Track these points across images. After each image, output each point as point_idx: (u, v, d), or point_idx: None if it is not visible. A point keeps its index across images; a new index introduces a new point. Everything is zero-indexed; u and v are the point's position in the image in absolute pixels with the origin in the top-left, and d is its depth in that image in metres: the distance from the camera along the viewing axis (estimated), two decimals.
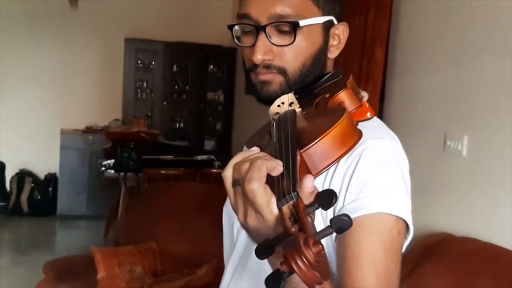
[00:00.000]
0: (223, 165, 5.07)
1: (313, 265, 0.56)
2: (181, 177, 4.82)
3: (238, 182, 0.69)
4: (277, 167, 0.67)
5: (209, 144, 6.60)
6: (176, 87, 6.78)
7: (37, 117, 6.35)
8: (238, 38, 0.99)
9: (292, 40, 0.93)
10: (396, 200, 0.87)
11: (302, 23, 0.92)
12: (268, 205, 0.65)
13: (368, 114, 0.89)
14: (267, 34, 0.93)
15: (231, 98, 6.74)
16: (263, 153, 0.71)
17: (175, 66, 6.71)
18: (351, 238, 0.82)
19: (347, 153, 0.73)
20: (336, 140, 0.72)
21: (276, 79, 0.96)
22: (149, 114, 6.74)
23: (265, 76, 0.96)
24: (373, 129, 0.90)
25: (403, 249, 0.90)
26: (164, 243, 3.32)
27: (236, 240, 1.05)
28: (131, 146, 5.05)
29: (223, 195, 3.32)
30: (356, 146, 0.76)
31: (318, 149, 0.71)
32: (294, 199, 0.64)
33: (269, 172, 0.66)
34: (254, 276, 0.99)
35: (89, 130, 6.42)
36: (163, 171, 4.83)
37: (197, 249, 3.27)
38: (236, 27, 0.98)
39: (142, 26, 6.48)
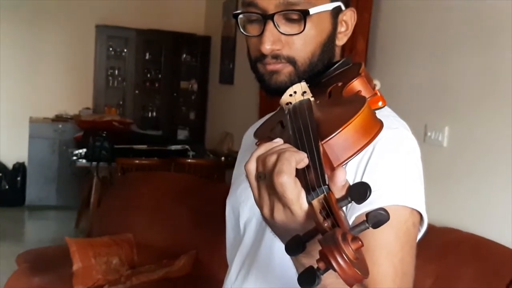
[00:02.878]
0: (197, 155, 5.02)
1: (353, 262, 0.54)
2: (155, 167, 4.76)
3: (263, 176, 0.65)
4: (304, 159, 0.64)
5: (182, 134, 6.53)
6: (148, 75, 6.69)
7: (5, 105, 6.18)
8: (243, 27, 0.95)
9: (302, 29, 0.89)
10: (411, 191, 0.85)
11: (312, 10, 0.89)
12: (298, 199, 0.62)
13: (380, 103, 0.86)
14: (275, 23, 0.89)
15: (205, 88, 6.67)
16: (287, 145, 0.68)
17: (147, 54, 6.62)
18: (366, 231, 0.80)
19: (369, 144, 0.70)
20: (358, 130, 0.69)
21: (285, 69, 0.92)
22: (121, 102, 6.65)
23: (273, 66, 0.92)
24: (386, 118, 0.86)
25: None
26: (141, 234, 3.27)
27: (243, 234, 1.02)
28: (104, 135, 4.95)
29: (201, 185, 3.28)
30: None
31: (339, 140, 0.68)
32: (325, 193, 0.61)
33: (296, 165, 0.63)
34: (263, 270, 0.96)
35: (59, 118, 6.30)
36: (136, 161, 4.76)
37: (175, 240, 3.23)
38: (241, 16, 0.94)
39: (114, 12, 6.37)
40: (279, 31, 0.90)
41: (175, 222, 3.31)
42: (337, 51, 0.99)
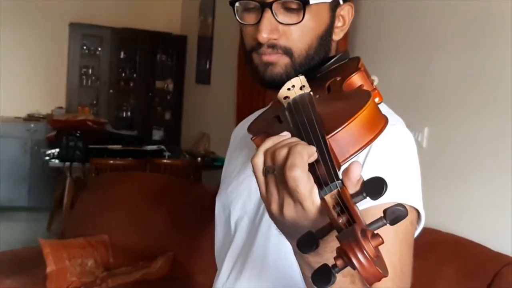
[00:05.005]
0: (173, 156, 4.97)
1: (374, 259, 0.51)
2: (129, 167, 4.69)
3: (272, 170, 0.62)
4: (314, 153, 0.61)
5: (157, 134, 6.47)
6: (123, 74, 6.62)
7: None
8: (239, 16, 0.92)
9: (301, 19, 0.87)
10: (410, 189, 0.84)
11: (312, 0, 0.87)
12: (311, 195, 0.59)
13: (377, 100, 0.84)
14: (273, 12, 0.87)
15: (181, 87, 6.62)
16: (296, 139, 0.65)
17: (122, 53, 6.56)
18: None
19: (375, 139, 0.68)
20: (364, 124, 0.67)
21: (281, 61, 0.89)
22: (95, 102, 6.57)
23: (269, 57, 0.89)
24: None
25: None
26: (116, 235, 3.21)
27: (234, 233, 0.99)
28: (77, 135, 4.86)
29: (178, 186, 3.21)
30: None
31: (345, 135, 0.66)
32: (339, 188, 0.59)
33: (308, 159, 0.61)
34: (257, 269, 0.93)
35: (31, 118, 6.19)
36: (111, 161, 4.69)
37: (152, 241, 3.18)
38: (237, 4, 0.91)
39: (88, 10, 6.28)
40: (277, 20, 0.87)
41: (152, 223, 3.25)
42: (333, 46, 0.97)
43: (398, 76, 2.80)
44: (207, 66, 5.59)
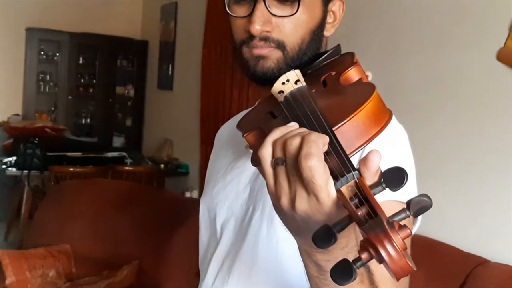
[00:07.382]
0: (135, 163, 4.84)
1: (403, 252, 0.49)
2: (90, 175, 4.58)
3: (282, 161, 0.58)
4: (327, 143, 0.57)
5: (118, 141, 6.34)
6: (82, 80, 6.49)
7: None
8: (230, 8, 0.89)
9: (295, 11, 0.84)
10: (407, 187, 0.81)
11: None
12: (327, 186, 0.55)
13: None
14: (266, 3, 0.84)
15: (142, 93, 6.52)
16: (304, 129, 0.61)
17: (81, 59, 6.42)
18: None
19: (380, 132, 0.65)
20: (370, 117, 0.64)
21: (273, 55, 0.86)
22: (53, 109, 6.41)
23: (260, 50, 0.86)
24: None
25: None
26: (79, 244, 3.12)
27: (221, 236, 0.95)
28: (36, 142, 4.73)
29: (142, 192, 3.12)
30: None
31: (351, 127, 0.63)
32: (356, 179, 0.55)
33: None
34: (245, 273, 0.89)
35: None
36: (71, 169, 4.57)
37: (116, 250, 3.09)
38: None
39: (46, 14, 6.13)
40: (270, 12, 0.84)
41: (116, 231, 3.16)
42: (324, 42, 0.94)
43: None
44: (169, 71, 5.52)
